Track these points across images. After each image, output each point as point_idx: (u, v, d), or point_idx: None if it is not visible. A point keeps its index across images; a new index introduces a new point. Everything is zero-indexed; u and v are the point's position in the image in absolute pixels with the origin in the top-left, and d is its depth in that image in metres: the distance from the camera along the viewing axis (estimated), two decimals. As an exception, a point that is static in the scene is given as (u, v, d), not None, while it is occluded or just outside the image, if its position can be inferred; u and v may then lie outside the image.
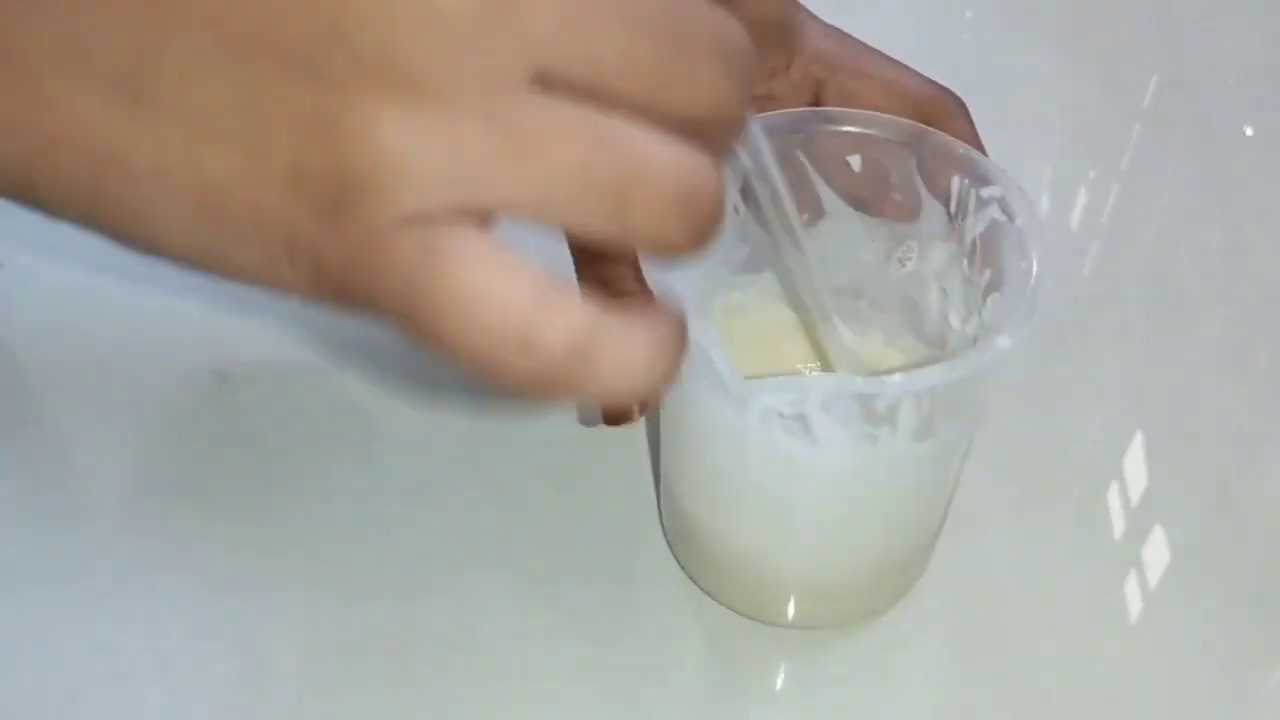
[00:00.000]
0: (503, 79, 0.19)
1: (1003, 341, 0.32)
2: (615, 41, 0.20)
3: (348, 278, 0.20)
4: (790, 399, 0.33)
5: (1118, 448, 0.46)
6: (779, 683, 0.40)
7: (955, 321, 0.39)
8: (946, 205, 0.38)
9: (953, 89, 0.41)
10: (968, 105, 0.41)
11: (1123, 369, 0.49)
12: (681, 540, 0.41)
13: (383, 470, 0.44)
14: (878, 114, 0.38)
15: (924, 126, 0.38)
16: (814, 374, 0.42)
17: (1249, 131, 0.59)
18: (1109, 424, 0.47)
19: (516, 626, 0.40)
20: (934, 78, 0.41)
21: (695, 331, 0.32)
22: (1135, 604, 0.41)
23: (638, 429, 0.45)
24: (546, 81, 0.19)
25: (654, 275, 0.34)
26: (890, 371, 0.36)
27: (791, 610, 0.40)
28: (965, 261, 0.38)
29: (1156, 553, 0.43)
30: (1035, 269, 0.34)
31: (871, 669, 0.40)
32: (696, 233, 0.21)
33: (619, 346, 0.20)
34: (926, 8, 0.68)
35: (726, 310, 0.42)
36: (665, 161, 0.20)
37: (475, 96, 0.19)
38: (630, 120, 0.20)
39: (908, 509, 0.38)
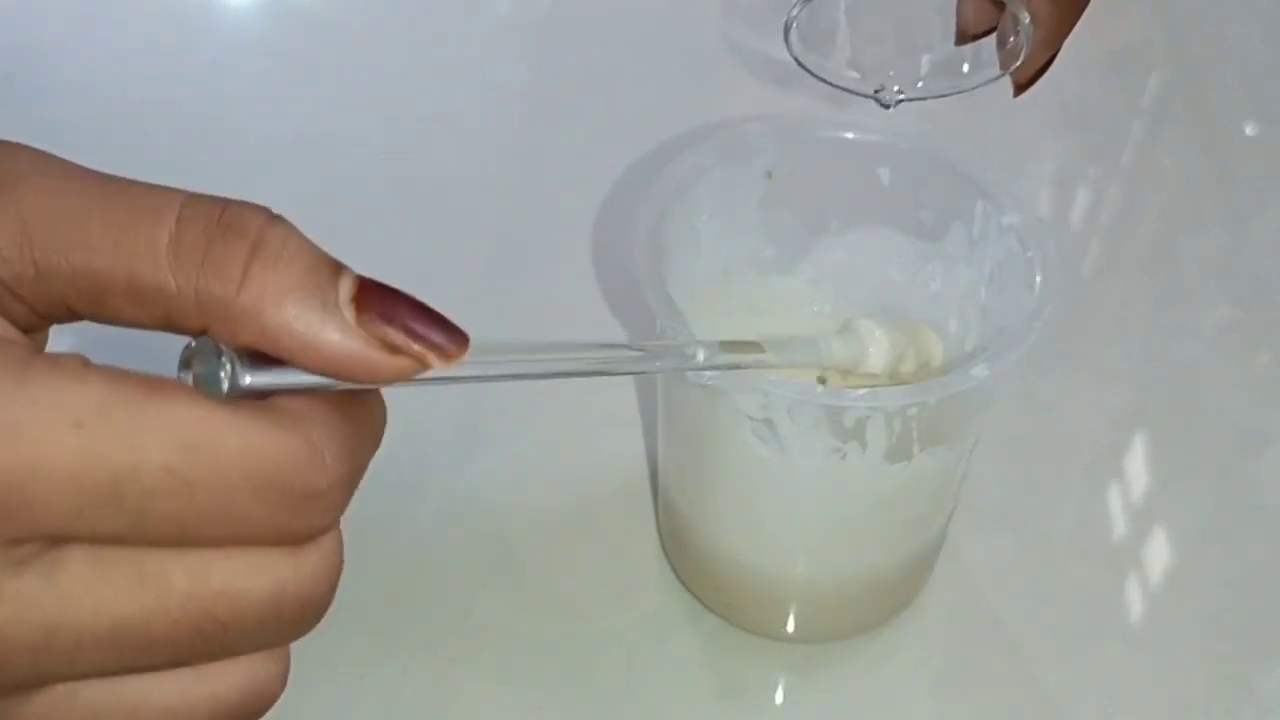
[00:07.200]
0: None
1: (978, 371, 0.31)
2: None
3: None
4: (756, 400, 0.32)
5: (1118, 448, 0.45)
6: (779, 697, 0.39)
7: (968, 350, 0.38)
8: (969, 230, 0.37)
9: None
10: (966, 104, 0.39)
11: (1123, 368, 0.48)
12: (680, 551, 0.41)
13: (380, 472, 0.44)
14: (910, 128, 0.37)
15: (955, 145, 0.37)
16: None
17: (1250, 130, 0.58)
18: (1109, 423, 0.46)
19: (512, 635, 0.40)
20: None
21: (673, 327, 0.32)
22: (1136, 607, 0.41)
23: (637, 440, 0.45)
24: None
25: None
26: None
27: (792, 623, 0.39)
28: (983, 290, 0.37)
29: (1157, 554, 0.42)
30: (1037, 306, 0.33)
31: (874, 682, 0.39)
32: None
33: None
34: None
35: (746, 310, 0.41)
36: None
37: None
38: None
39: (895, 529, 0.37)
